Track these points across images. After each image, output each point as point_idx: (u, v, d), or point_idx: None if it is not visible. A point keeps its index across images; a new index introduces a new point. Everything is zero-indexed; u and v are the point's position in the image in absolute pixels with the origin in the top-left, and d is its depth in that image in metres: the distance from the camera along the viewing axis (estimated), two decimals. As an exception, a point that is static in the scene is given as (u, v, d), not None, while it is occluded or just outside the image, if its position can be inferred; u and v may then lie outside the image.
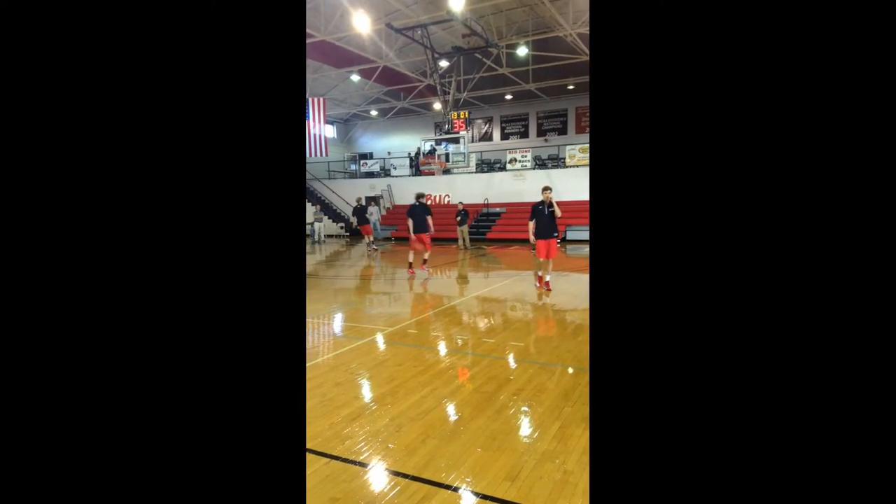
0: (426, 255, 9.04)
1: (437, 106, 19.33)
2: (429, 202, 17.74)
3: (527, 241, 13.69)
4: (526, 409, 3.03)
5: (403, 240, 16.59)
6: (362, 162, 21.57)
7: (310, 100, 17.15)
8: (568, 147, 17.31)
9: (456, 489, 2.16)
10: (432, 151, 17.89)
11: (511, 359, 4.08)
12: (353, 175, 21.74)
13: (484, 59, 16.91)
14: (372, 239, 14.30)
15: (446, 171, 18.08)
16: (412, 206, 8.91)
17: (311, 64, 17.34)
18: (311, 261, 11.23)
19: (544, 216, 6.86)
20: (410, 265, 9.00)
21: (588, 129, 16.13)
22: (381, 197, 19.11)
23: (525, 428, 2.80)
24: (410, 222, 8.82)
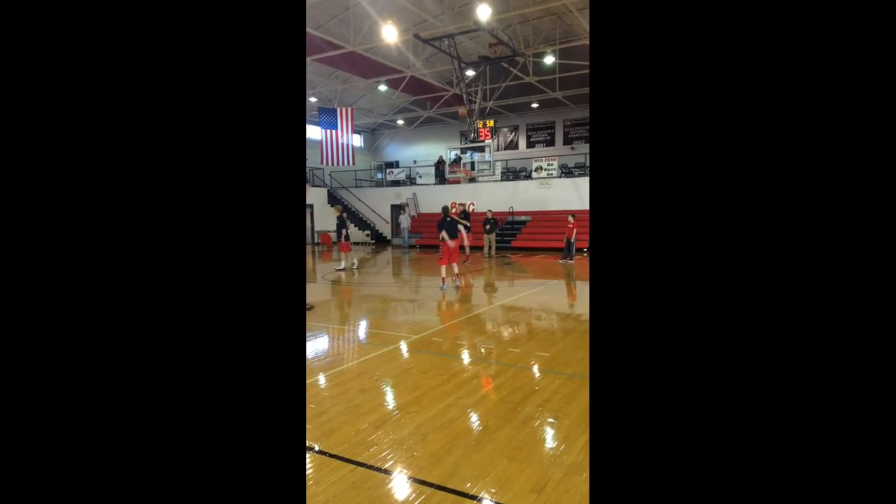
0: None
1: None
2: (453, 209, 17.84)
3: (551, 249, 13.57)
4: (552, 420, 2.99)
5: (427, 247, 16.64)
6: (388, 170, 21.79)
7: (338, 109, 17.44)
8: (595, 155, 17.12)
9: (481, 500, 2.14)
10: (458, 160, 17.97)
11: (536, 369, 4.03)
12: (380, 183, 21.98)
13: (510, 68, 16.94)
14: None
15: (471, 180, 18.11)
16: None
17: (339, 75, 17.66)
18: (337, 267, 11.37)
19: None
20: None
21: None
22: (407, 205, 19.26)
23: (551, 439, 2.76)
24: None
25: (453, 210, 12.66)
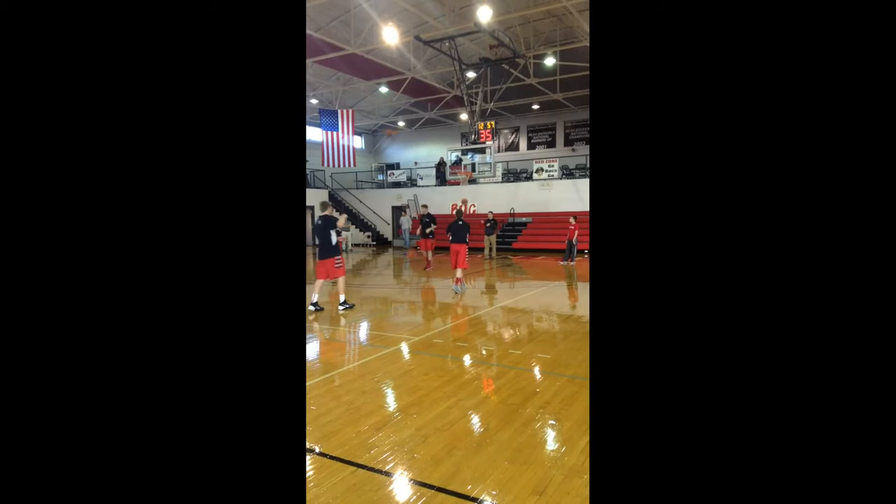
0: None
1: (464, 116, 19.43)
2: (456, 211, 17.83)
3: (552, 251, 13.48)
4: (553, 422, 2.99)
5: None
6: (389, 172, 21.81)
7: (339, 111, 17.47)
8: (596, 157, 17.13)
9: (482, 502, 2.14)
10: (458, 162, 17.97)
11: (537, 371, 4.03)
12: (381, 185, 22.00)
13: (511, 70, 16.96)
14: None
15: (472, 181, 18.11)
16: None
17: (340, 76, 17.69)
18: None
19: None
20: None
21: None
22: (408, 206, 19.26)
23: (552, 442, 2.76)
24: None
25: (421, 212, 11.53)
